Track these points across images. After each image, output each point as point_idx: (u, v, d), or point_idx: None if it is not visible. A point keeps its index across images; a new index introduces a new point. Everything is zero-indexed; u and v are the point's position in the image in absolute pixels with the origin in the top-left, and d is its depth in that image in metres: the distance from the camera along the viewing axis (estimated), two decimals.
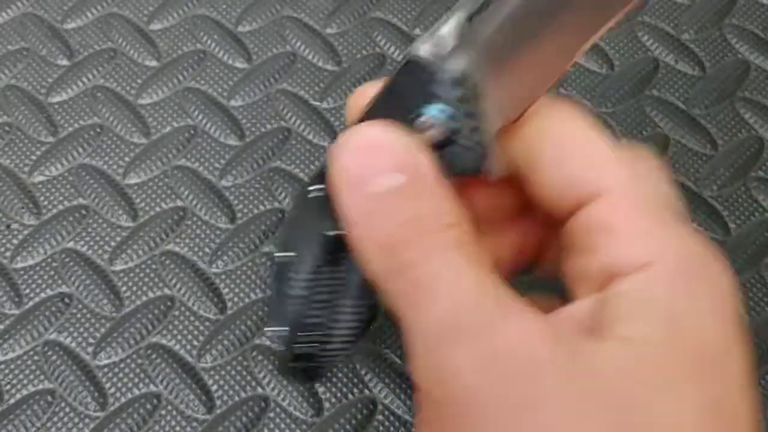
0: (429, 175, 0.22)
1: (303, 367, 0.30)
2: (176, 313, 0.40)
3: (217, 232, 0.41)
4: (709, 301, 0.22)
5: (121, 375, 0.38)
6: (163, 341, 0.39)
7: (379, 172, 0.22)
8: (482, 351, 0.20)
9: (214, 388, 0.38)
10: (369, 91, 0.26)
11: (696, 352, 0.21)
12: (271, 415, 0.38)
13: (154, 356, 0.39)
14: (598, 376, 0.19)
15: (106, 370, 0.38)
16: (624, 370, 0.20)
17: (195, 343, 0.39)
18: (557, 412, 0.19)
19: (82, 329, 0.39)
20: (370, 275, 0.23)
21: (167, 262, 0.41)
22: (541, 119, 0.25)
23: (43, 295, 0.40)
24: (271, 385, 0.38)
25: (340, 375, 0.38)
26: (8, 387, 0.38)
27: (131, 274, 0.40)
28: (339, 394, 0.38)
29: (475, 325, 0.20)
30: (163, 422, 0.37)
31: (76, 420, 0.37)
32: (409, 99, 0.24)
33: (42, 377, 0.38)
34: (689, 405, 0.19)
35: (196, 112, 0.44)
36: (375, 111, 0.25)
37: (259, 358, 0.39)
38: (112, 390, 0.38)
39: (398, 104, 0.24)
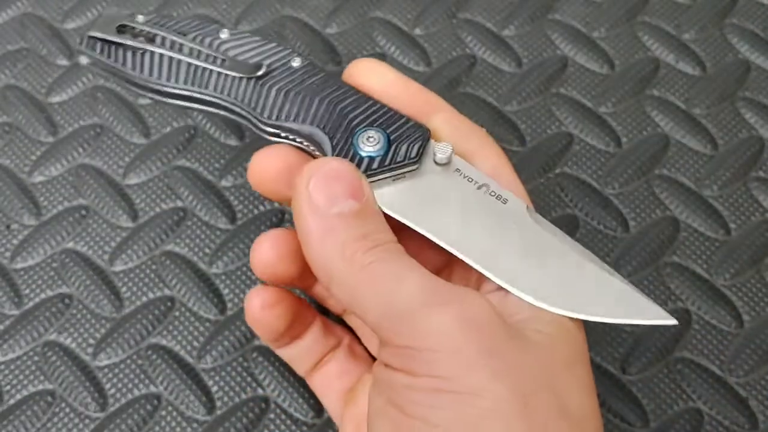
0: (372, 201, 0.29)
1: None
2: (176, 313, 0.40)
3: (217, 232, 0.41)
4: None
5: (121, 376, 0.38)
6: (164, 342, 0.39)
7: (338, 197, 0.28)
8: (456, 314, 0.26)
9: (215, 389, 0.38)
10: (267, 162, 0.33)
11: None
12: (272, 416, 0.38)
13: (154, 357, 0.39)
14: (528, 345, 0.27)
15: (106, 370, 0.38)
16: (538, 348, 0.28)
17: (195, 344, 0.39)
18: (509, 359, 0.26)
19: (82, 330, 0.39)
20: (327, 278, 0.28)
21: (167, 262, 0.41)
22: None
23: (43, 295, 0.40)
24: (272, 387, 0.38)
25: None
26: (8, 388, 0.38)
27: (131, 275, 0.40)
28: None
29: (443, 299, 0.27)
30: (163, 423, 0.37)
31: (76, 421, 0.37)
32: None
33: (42, 378, 0.38)
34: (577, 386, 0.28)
35: (197, 113, 0.44)
36: None
37: (260, 359, 0.39)
38: (113, 391, 0.38)
39: None
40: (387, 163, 0.31)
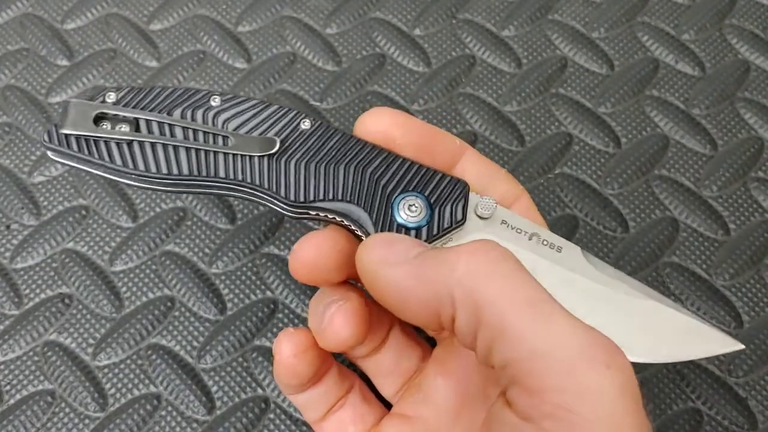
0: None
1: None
2: (176, 313, 0.40)
3: (217, 232, 0.41)
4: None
5: (121, 376, 0.38)
6: (163, 342, 0.39)
7: (407, 249, 0.27)
8: (618, 381, 0.24)
9: (215, 389, 0.38)
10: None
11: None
12: (271, 416, 0.38)
13: (154, 357, 0.39)
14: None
15: (106, 370, 0.38)
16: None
17: (195, 344, 0.39)
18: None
19: (82, 330, 0.39)
20: (444, 303, 0.26)
21: (167, 262, 0.41)
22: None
23: (43, 295, 0.40)
24: (272, 386, 0.38)
25: None
26: (8, 387, 0.38)
27: (131, 275, 0.40)
28: None
29: (603, 357, 0.24)
30: (163, 423, 0.37)
31: (76, 420, 0.37)
32: None
33: (42, 378, 0.38)
34: None
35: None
36: None
37: (260, 359, 0.39)
38: (112, 391, 0.38)
39: None
40: (435, 232, 0.30)
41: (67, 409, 0.37)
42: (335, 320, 0.30)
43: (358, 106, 0.45)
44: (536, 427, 0.24)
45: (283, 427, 0.37)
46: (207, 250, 0.41)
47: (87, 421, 0.37)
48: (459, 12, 0.48)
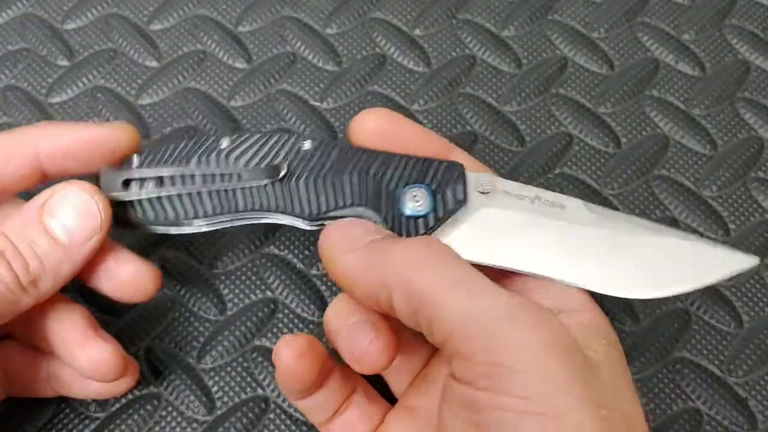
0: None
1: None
2: (176, 314, 0.40)
3: (217, 233, 0.41)
4: None
5: None
6: (163, 342, 0.39)
7: (365, 234, 0.30)
8: (545, 337, 0.26)
9: (215, 389, 0.38)
10: None
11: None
12: (272, 416, 0.38)
13: (154, 357, 0.39)
14: (595, 369, 0.28)
15: None
16: (603, 371, 0.28)
17: (195, 344, 0.39)
18: (590, 385, 0.26)
19: None
20: (385, 292, 0.29)
21: (167, 263, 0.41)
22: None
23: None
24: (272, 387, 0.38)
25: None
26: None
27: None
28: None
29: (530, 319, 0.27)
30: (163, 423, 0.37)
31: (77, 422, 0.37)
32: None
33: None
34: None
35: (196, 113, 0.44)
36: None
37: (260, 359, 0.39)
38: None
39: None
40: (441, 215, 0.32)
41: (68, 410, 0.37)
42: (372, 350, 0.31)
43: (358, 106, 0.45)
44: (474, 388, 0.26)
45: (283, 427, 0.37)
46: (207, 252, 0.41)
47: (87, 421, 0.37)
48: (459, 12, 0.48)
